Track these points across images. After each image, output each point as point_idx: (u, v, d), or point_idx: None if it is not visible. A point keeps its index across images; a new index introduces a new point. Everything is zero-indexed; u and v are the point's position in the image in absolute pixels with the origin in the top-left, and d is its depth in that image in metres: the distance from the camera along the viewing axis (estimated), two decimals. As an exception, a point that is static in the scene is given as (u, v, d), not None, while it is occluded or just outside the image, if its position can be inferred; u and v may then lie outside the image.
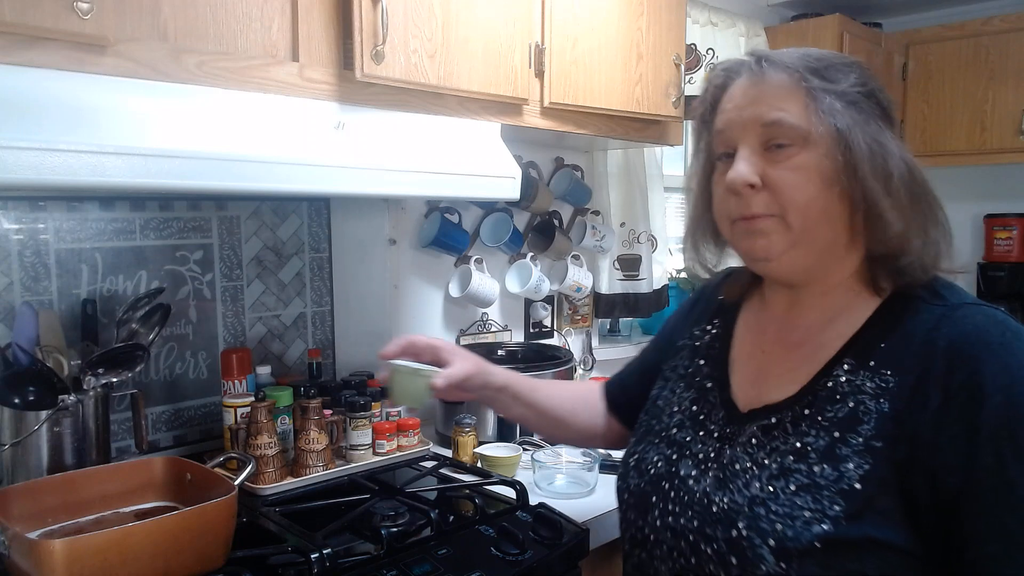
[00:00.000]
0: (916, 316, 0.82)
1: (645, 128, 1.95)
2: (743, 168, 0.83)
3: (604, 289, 2.43)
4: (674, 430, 0.94)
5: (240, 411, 1.46)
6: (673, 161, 2.92)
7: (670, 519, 0.87)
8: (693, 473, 0.88)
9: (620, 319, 2.58)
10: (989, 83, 2.77)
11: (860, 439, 0.78)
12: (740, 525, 0.80)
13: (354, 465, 1.51)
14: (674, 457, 0.91)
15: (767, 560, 0.76)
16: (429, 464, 1.59)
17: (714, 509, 0.83)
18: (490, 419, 1.75)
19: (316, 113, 1.30)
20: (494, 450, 1.62)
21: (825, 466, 0.78)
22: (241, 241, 1.67)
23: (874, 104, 0.84)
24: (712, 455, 0.88)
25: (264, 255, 1.71)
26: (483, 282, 1.98)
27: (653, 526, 0.89)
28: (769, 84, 0.84)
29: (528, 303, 2.26)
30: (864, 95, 0.84)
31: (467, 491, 1.42)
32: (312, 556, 1.10)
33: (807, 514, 0.76)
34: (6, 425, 1.27)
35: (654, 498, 0.90)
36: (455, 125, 1.51)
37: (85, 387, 1.31)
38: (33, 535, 1.08)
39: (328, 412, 1.53)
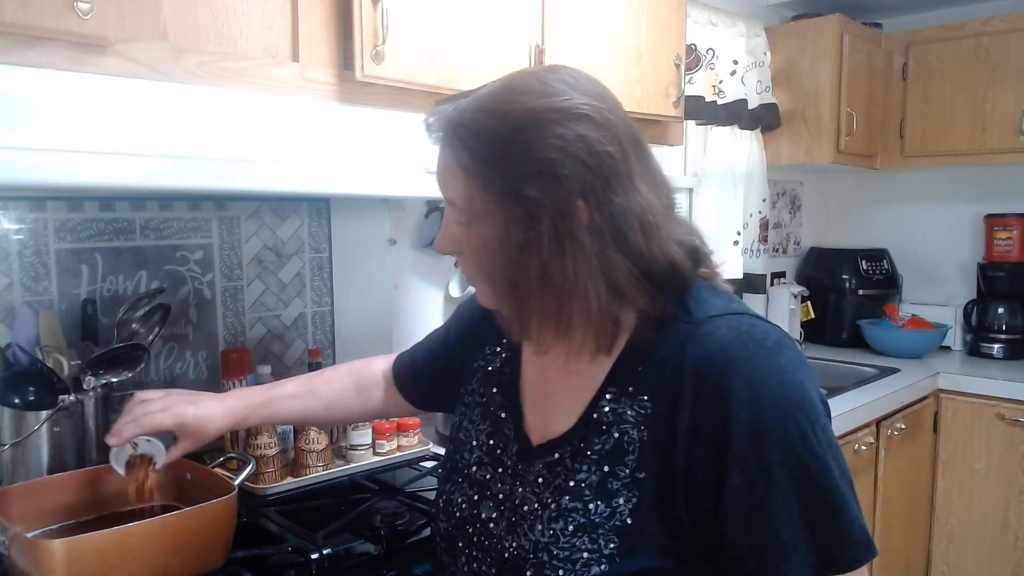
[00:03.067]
0: (666, 336, 0.77)
1: (645, 128, 1.95)
2: (438, 237, 0.88)
3: (604, 289, 2.42)
4: (474, 468, 0.91)
5: (240, 411, 1.46)
6: (673, 161, 2.92)
7: (475, 564, 0.86)
8: (493, 516, 0.86)
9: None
10: (989, 83, 2.77)
11: (627, 471, 0.76)
12: (528, 573, 0.78)
13: (354, 465, 1.51)
14: (475, 498, 0.89)
15: None
16: (429, 464, 1.59)
17: (506, 555, 0.82)
18: (490, 419, 1.75)
19: (316, 113, 1.30)
20: (494, 450, 1.62)
21: (600, 503, 0.76)
22: (241, 241, 1.67)
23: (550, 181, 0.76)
24: (507, 495, 0.85)
25: (264, 255, 1.71)
26: (483, 282, 1.98)
27: (462, 571, 0.88)
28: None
29: (528, 303, 2.25)
30: (535, 174, 0.75)
31: (467, 491, 1.42)
32: (312, 556, 1.10)
33: (585, 555, 0.76)
34: (6, 425, 1.27)
35: (460, 543, 0.88)
36: (455, 125, 1.51)
37: (85, 387, 1.31)
38: (33, 535, 1.08)
39: (328, 412, 1.53)
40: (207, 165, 1.11)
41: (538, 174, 0.74)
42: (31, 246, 1.40)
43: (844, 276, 3.16)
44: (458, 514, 0.90)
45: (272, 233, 1.72)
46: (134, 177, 1.03)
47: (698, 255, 0.81)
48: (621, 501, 0.76)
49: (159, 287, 1.53)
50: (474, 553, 0.86)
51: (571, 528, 0.77)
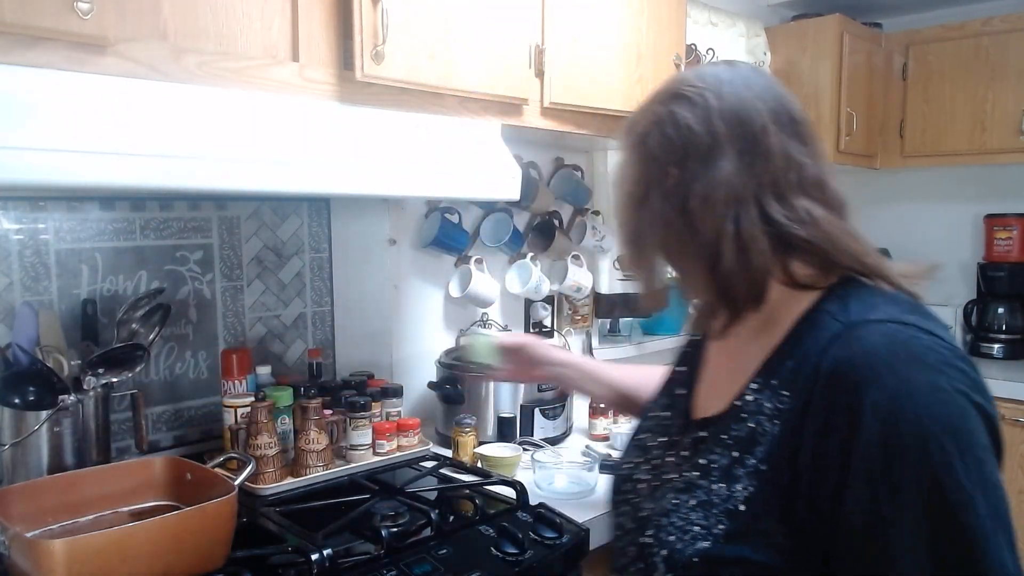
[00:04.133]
0: (817, 333, 0.77)
1: (645, 128, 1.95)
2: None
3: (604, 289, 2.43)
4: (645, 435, 0.97)
5: (240, 411, 1.46)
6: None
7: (622, 519, 0.92)
8: (645, 478, 0.91)
9: (620, 319, 2.58)
10: (989, 83, 2.77)
11: (753, 461, 0.77)
12: (648, 533, 0.83)
13: (354, 465, 1.51)
14: (638, 461, 0.94)
15: (659, 568, 0.80)
16: (429, 464, 1.59)
17: (641, 515, 0.87)
18: (490, 419, 1.76)
19: (316, 113, 1.30)
20: (494, 450, 1.62)
21: (722, 485, 0.79)
22: (241, 241, 1.67)
23: (644, 152, 0.85)
24: (659, 463, 0.90)
25: (264, 255, 1.71)
26: (483, 282, 1.98)
27: (615, 523, 0.95)
28: None
29: (528, 303, 2.26)
30: (634, 145, 0.86)
31: (467, 491, 1.42)
32: (312, 556, 1.10)
33: (696, 529, 0.78)
34: (6, 425, 1.27)
35: (617, 499, 0.95)
36: (455, 125, 1.51)
37: (85, 387, 1.31)
38: (33, 535, 1.09)
39: (328, 412, 1.53)
40: (207, 165, 1.11)
41: (638, 143, 0.86)
42: (31, 246, 1.40)
43: (844, 276, 3.15)
44: (623, 473, 0.97)
45: (272, 233, 1.72)
46: (134, 177, 1.03)
47: (793, 246, 0.80)
48: (739, 488, 0.77)
49: (159, 287, 1.53)
50: (623, 509, 0.92)
51: (692, 502, 0.80)
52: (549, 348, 1.36)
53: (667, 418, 0.95)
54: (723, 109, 0.81)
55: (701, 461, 0.82)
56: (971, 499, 0.66)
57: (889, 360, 0.70)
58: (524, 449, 1.64)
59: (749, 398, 0.80)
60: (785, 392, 0.77)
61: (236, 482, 1.15)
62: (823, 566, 0.73)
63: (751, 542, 0.75)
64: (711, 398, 0.89)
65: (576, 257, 2.24)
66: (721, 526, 0.77)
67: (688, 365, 0.99)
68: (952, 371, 0.71)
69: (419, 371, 1.96)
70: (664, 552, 0.80)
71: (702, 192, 0.80)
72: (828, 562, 0.73)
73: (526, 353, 1.35)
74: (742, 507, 0.76)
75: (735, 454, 0.79)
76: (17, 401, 1.23)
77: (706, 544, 0.77)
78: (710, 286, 0.82)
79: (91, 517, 1.18)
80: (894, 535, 0.67)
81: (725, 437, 0.81)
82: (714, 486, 0.79)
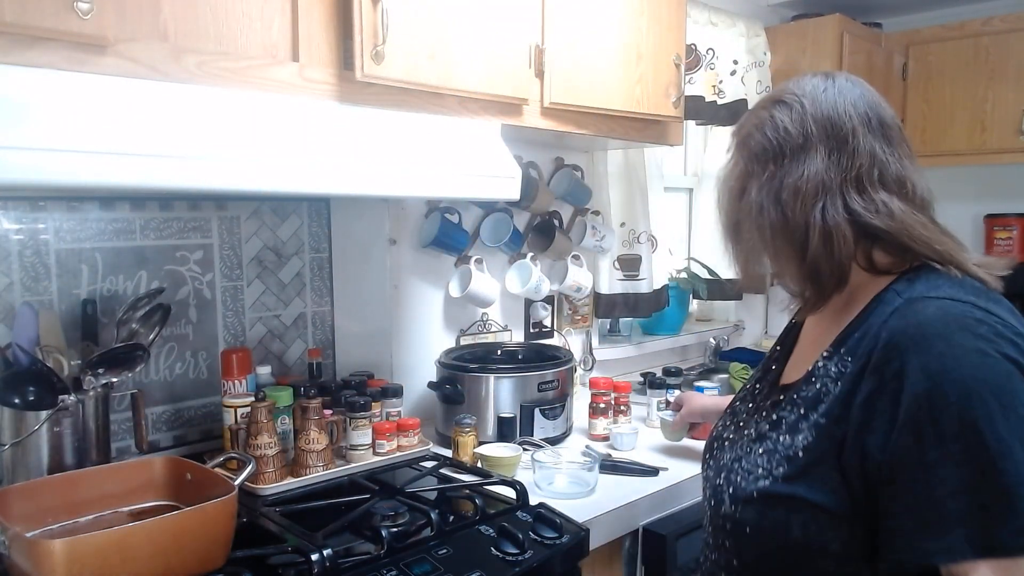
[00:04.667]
0: (882, 308, 0.87)
1: (645, 128, 1.95)
2: None
3: (604, 289, 2.43)
4: (738, 402, 1.12)
5: (240, 411, 1.46)
6: (673, 161, 2.93)
7: (709, 472, 1.05)
8: (730, 436, 1.05)
9: (620, 319, 2.58)
10: (989, 83, 2.77)
11: (815, 415, 0.88)
12: (722, 475, 0.98)
13: (354, 465, 1.51)
14: (728, 423, 1.09)
15: (726, 503, 0.96)
16: (429, 464, 1.59)
17: (721, 463, 1.01)
18: (490, 419, 1.76)
19: (316, 113, 1.30)
20: (494, 450, 1.62)
21: (787, 436, 0.91)
22: (241, 241, 1.67)
23: (747, 151, 0.98)
24: (743, 423, 1.04)
25: (264, 255, 1.71)
26: (483, 282, 1.98)
27: (703, 476, 1.08)
28: None
29: (528, 303, 2.26)
30: (739, 144, 1.00)
31: (467, 491, 1.42)
32: (312, 556, 1.10)
33: (760, 471, 0.92)
34: (6, 425, 1.27)
35: (707, 455, 1.09)
36: (455, 125, 1.51)
37: (85, 387, 1.31)
38: (33, 535, 1.09)
39: (328, 412, 1.53)
40: (207, 165, 1.11)
41: (742, 143, 0.99)
42: (31, 246, 1.40)
43: (844, 276, 3.15)
44: (714, 433, 1.11)
45: (272, 233, 1.72)
46: (134, 177, 1.03)
47: (873, 235, 0.90)
48: (800, 438, 0.89)
49: (159, 287, 1.53)
50: (710, 463, 1.06)
51: (760, 450, 0.94)
52: (702, 399, 1.74)
53: (758, 387, 1.09)
54: (816, 113, 0.93)
55: (774, 417, 0.95)
56: (1010, 449, 0.74)
57: (940, 329, 0.80)
58: (524, 449, 1.64)
59: (820, 364, 0.92)
60: (848, 358, 0.88)
61: (236, 482, 1.15)
62: (869, 510, 0.82)
63: (805, 484, 0.86)
64: (794, 369, 1.02)
65: (576, 257, 2.24)
66: (781, 469, 0.89)
67: (783, 345, 1.11)
68: (1002, 341, 0.79)
69: (419, 371, 1.96)
70: (731, 490, 0.95)
71: (793, 185, 0.91)
72: (875, 506, 0.82)
73: (694, 411, 1.70)
74: (800, 454, 0.88)
75: (802, 411, 0.91)
76: (17, 401, 1.23)
77: (766, 483, 0.90)
78: (800, 269, 0.93)
79: (91, 517, 1.18)
80: (937, 480, 0.76)
81: (796, 397, 0.93)
82: (781, 438, 0.92)
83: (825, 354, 0.91)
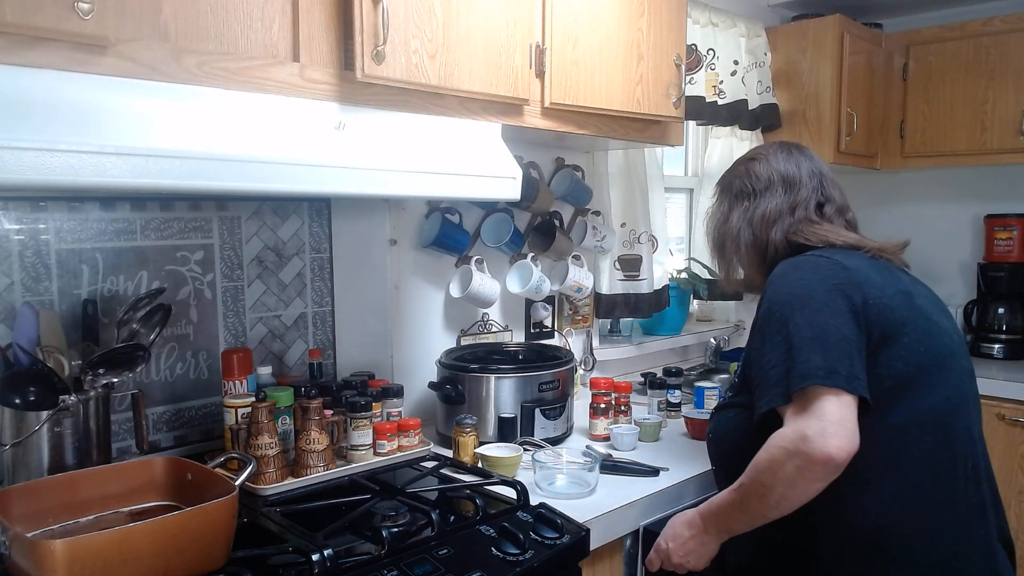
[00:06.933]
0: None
1: (646, 128, 1.95)
2: None
3: (605, 289, 2.43)
4: None
5: (241, 411, 1.46)
6: (673, 161, 2.93)
7: None
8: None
9: (621, 319, 2.58)
10: (989, 83, 2.77)
11: (745, 349, 1.32)
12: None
13: (355, 465, 1.51)
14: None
15: (709, 425, 1.42)
16: (430, 464, 1.59)
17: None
18: (491, 419, 1.75)
19: (317, 113, 1.30)
20: (495, 450, 1.62)
21: (740, 367, 1.37)
22: (242, 241, 1.67)
23: (730, 193, 1.46)
24: None
25: (265, 255, 1.71)
26: (484, 282, 1.98)
27: None
28: None
29: (529, 303, 2.26)
30: (724, 188, 1.48)
31: (468, 491, 1.42)
32: (313, 556, 1.10)
33: (724, 395, 1.46)
34: (7, 425, 1.27)
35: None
36: (456, 125, 1.51)
37: (86, 387, 1.31)
38: (33, 535, 1.08)
39: (329, 412, 1.53)
40: (208, 165, 1.11)
41: (726, 188, 1.48)
42: (32, 246, 1.40)
43: (844, 276, 3.15)
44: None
45: (273, 233, 1.72)
46: (134, 177, 1.03)
47: (800, 244, 1.34)
48: (739, 365, 1.36)
49: (160, 287, 1.53)
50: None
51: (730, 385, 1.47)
52: None
53: None
54: (779, 169, 1.41)
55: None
56: (798, 327, 1.15)
57: (789, 269, 1.25)
58: (525, 449, 1.64)
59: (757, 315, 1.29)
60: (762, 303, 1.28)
61: (237, 482, 1.15)
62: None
63: (737, 395, 1.33)
64: None
65: (577, 257, 2.24)
66: (730, 393, 1.39)
67: None
68: (819, 270, 1.22)
69: (420, 371, 1.96)
70: (712, 413, 1.45)
71: (762, 213, 1.38)
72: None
73: None
74: (737, 378, 1.37)
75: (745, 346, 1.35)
76: (18, 401, 1.23)
77: (727, 396, 1.40)
78: (760, 269, 1.39)
79: (92, 517, 1.18)
80: (765, 360, 1.18)
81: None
82: (738, 370, 1.39)
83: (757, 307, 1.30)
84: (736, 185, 1.43)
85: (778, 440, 1.11)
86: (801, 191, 1.37)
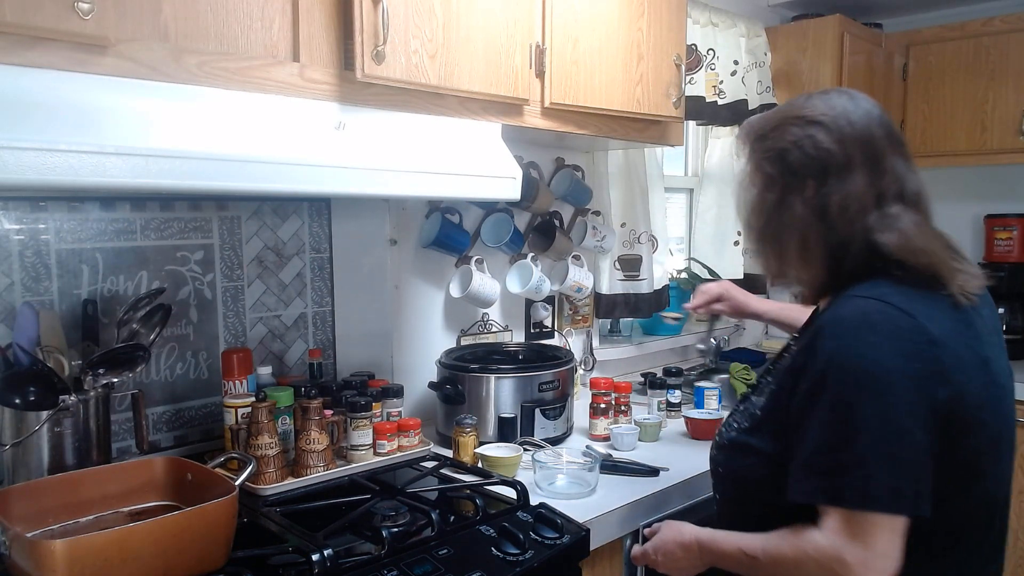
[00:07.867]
0: (827, 302, 1.10)
1: (646, 128, 1.95)
2: None
3: (605, 289, 2.43)
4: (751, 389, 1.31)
5: (241, 411, 1.46)
6: (673, 161, 2.93)
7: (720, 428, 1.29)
8: (740, 408, 1.22)
9: (621, 319, 2.58)
10: (989, 83, 2.77)
11: (775, 385, 1.10)
12: (720, 430, 1.22)
13: (355, 465, 1.51)
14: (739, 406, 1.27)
15: (714, 451, 1.22)
16: (430, 464, 1.59)
17: (725, 421, 1.24)
18: (491, 419, 1.76)
19: (317, 113, 1.30)
20: (495, 450, 1.62)
21: (757, 398, 1.15)
22: (242, 241, 1.67)
23: (781, 164, 1.09)
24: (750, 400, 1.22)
25: (265, 255, 1.71)
26: (484, 282, 1.98)
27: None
28: None
29: (529, 303, 2.26)
30: (773, 157, 1.10)
31: (468, 491, 1.42)
32: (313, 556, 1.10)
33: (735, 425, 1.17)
34: (7, 425, 1.27)
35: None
36: (456, 125, 1.51)
37: (86, 387, 1.31)
38: (34, 535, 1.08)
39: (329, 412, 1.53)
40: (208, 165, 1.11)
41: (775, 158, 1.09)
42: (32, 246, 1.40)
43: (844, 276, 3.15)
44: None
45: (273, 233, 1.72)
46: (134, 177, 1.03)
47: (888, 255, 1.03)
48: (762, 400, 1.12)
49: (160, 287, 1.53)
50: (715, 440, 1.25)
51: (742, 408, 1.18)
52: (746, 297, 1.72)
53: (766, 370, 1.23)
54: (852, 133, 1.05)
55: (759, 384, 1.19)
56: (867, 422, 0.94)
57: (850, 323, 0.99)
58: (525, 449, 1.64)
59: (792, 343, 1.17)
60: (803, 340, 1.08)
61: (237, 482, 1.15)
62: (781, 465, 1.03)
63: (756, 435, 1.11)
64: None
65: (577, 257, 2.24)
66: (745, 424, 1.14)
67: (802, 330, 1.25)
68: (901, 341, 0.96)
69: (420, 371, 1.96)
70: (717, 439, 1.21)
71: (840, 202, 1.04)
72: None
73: (728, 298, 1.72)
74: (759, 412, 1.12)
75: (770, 379, 1.15)
76: (18, 401, 1.23)
77: (735, 434, 1.16)
78: (829, 271, 1.07)
79: (92, 517, 1.18)
80: (811, 439, 0.98)
81: (774, 368, 1.18)
82: (754, 399, 1.16)
83: (797, 335, 1.16)
84: (794, 157, 1.06)
85: (811, 547, 0.97)
86: (886, 163, 1.04)
